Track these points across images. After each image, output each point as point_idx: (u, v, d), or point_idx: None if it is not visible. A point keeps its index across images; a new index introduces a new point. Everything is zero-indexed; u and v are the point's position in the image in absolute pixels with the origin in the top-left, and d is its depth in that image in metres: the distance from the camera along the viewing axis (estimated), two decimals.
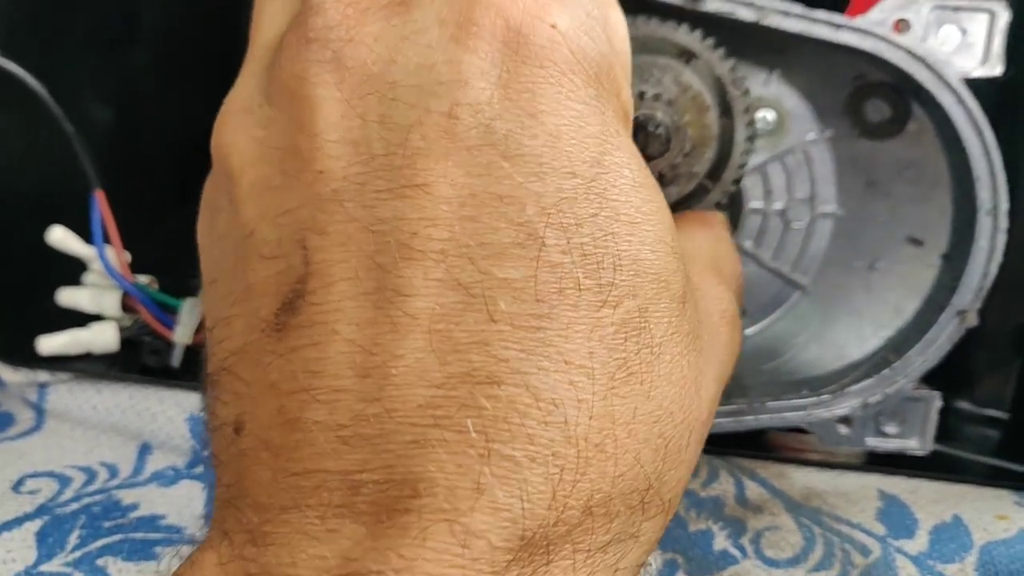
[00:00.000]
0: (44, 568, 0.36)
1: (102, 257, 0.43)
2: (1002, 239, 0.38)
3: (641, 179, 0.22)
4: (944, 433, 0.46)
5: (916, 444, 0.40)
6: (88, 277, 0.45)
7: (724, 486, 0.41)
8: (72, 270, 0.45)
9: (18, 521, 0.37)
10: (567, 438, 0.19)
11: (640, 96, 0.34)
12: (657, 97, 0.34)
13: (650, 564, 0.23)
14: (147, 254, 0.45)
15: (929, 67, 0.36)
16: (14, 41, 0.42)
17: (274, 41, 0.23)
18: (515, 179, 0.20)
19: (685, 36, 0.35)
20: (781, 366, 0.43)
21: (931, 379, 0.48)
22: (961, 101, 0.37)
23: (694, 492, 0.41)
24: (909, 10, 0.36)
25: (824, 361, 0.42)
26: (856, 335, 0.42)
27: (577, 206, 0.20)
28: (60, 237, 0.44)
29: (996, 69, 0.37)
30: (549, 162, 0.20)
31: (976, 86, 0.44)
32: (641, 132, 0.33)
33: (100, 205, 0.43)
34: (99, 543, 0.38)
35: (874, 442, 0.40)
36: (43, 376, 0.44)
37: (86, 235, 0.43)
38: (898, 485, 0.41)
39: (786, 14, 0.36)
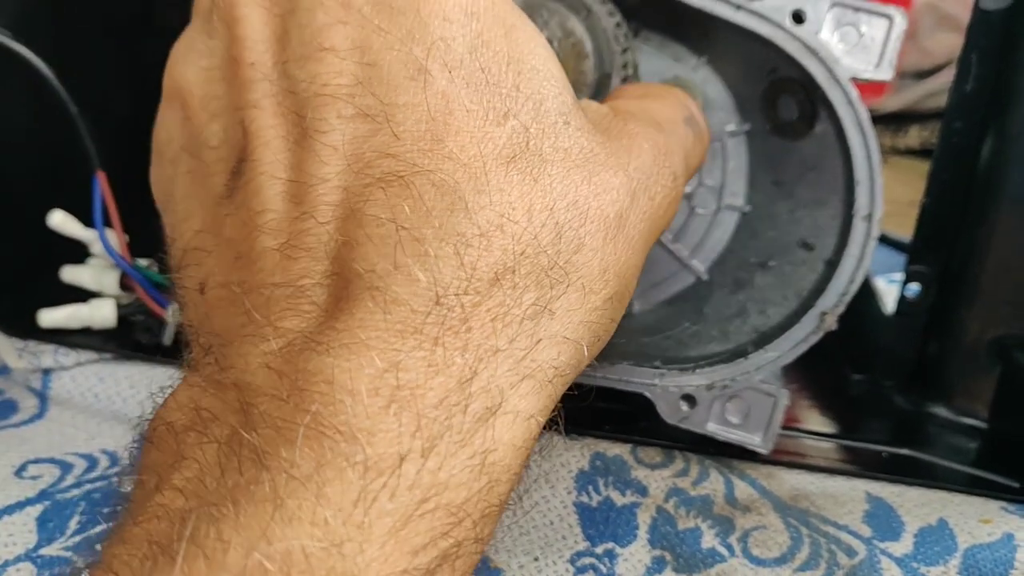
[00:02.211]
0: (44, 552, 0.36)
1: (102, 236, 0.43)
2: (872, 247, 0.38)
3: (515, 22, 0.26)
4: (924, 440, 0.47)
5: (758, 440, 0.41)
6: (93, 259, 0.45)
7: (714, 485, 0.42)
8: (76, 248, 0.45)
9: (20, 505, 0.37)
10: (469, 219, 0.23)
11: None
12: None
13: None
14: (151, 239, 0.45)
15: (821, 61, 0.37)
16: (25, 24, 0.42)
17: None
18: (402, 29, 0.24)
19: None
20: (658, 342, 0.44)
21: (911, 387, 0.50)
22: (849, 101, 0.37)
23: (684, 490, 0.42)
24: (807, 2, 0.37)
25: (696, 346, 0.43)
26: (735, 328, 0.43)
27: (455, 45, 0.24)
28: (60, 221, 0.45)
29: (888, 75, 0.37)
30: (427, 13, 0.24)
31: (963, 101, 0.45)
32: None
33: (101, 186, 0.43)
34: (99, 528, 0.37)
35: (715, 428, 0.41)
36: (47, 362, 0.44)
37: (89, 213, 0.44)
38: (885, 488, 0.42)
39: None
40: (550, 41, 0.35)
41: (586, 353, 0.25)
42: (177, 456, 0.21)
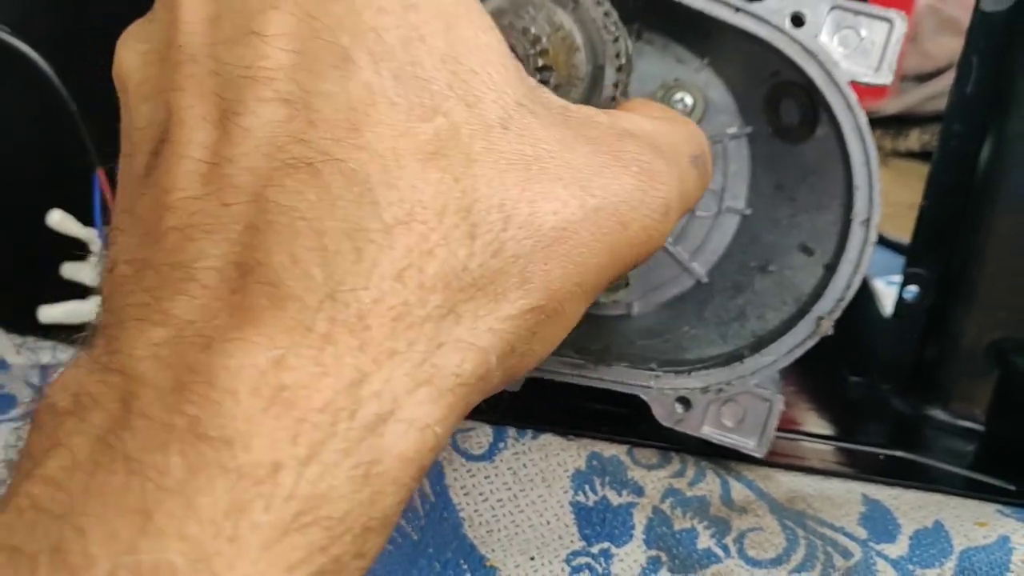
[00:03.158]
0: None
1: (101, 234, 0.43)
2: (870, 251, 0.38)
3: (460, 16, 0.25)
4: (921, 443, 0.47)
5: (753, 444, 0.41)
6: (93, 256, 0.46)
7: (710, 486, 0.42)
8: (76, 245, 0.46)
9: None
10: (376, 214, 0.22)
11: (510, 26, 0.34)
12: (524, 31, 0.35)
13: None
14: None
15: (820, 64, 0.37)
16: (25, 21, 0.42)
17: None
18: (333, 16, 0.23)
19: None
20: (656, 345, 0.44)
21: (909, 390, 0.50)
22: (848, 105, 0.37)
23: (680, 491, 0.42)
24: (807, 4, 0.37)
25: (694, 349, 0.43)
26: (733, 332, 0.43)
27: (387, 36, 0.23)
28: (59, 220, 0.45)
29: (888, 79, 0.37)
30: (361, 2, 0.24)
31: (962, 103, 0.45)
32: None
33: (101, 184, 0.43)
34: None
35: (709, 431, 0.41)
36: (45, 358, 0.44)
37: (88, 211, 0.44)
38: (882, 491, 0.42)
39: None
40: (538, 37, 0.35)
41: (495, 363, 0.24)
42: (53, 442, 0.20)
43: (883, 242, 0.67)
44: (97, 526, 0.18)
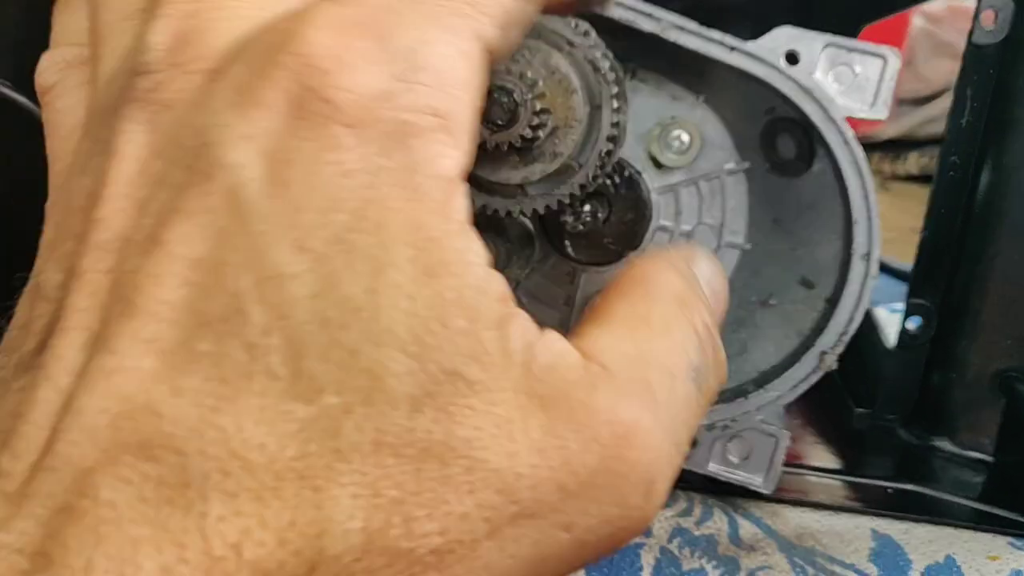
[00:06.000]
0: None
1: None
2: (871, 284, 0.38)
3: (396, 259, 0.19)
4: (929, 475, 0.47)
5: (760, 481, 0.40)
6: None
7: (718, 524, 0.42)
8: None
9: None
10: (201, 533, 0.18)
11: (507, 71, 0.34)
12: (521, 75, 0.34)
13: None
14: None
15: (816, 101, 0.37)
16: (26, 76, 0.42)
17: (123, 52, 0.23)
18: (241, 247, 0.19)
19: (557, 23, 0.35)
20: None
21: (915, 421, 0.50)
22: (845, 140, 0.37)
23: (688, 530, 0.42)
24: (801, 42, 0.37)
25: None
26: (735, 368, 0.43)
27: (297, 283, 0.19)
28: None
29: (883, 114, 0.37)
30: (280, 233, 0.19)
31: (959, 134, 0.46)
32: (489, 98, 0.34)
33: None
34: None
35: (716, 468, 0.41)
36: None
37: None
38: (892, 525, 0.42)
39: (682, 29, 0.37)
40: (535, 81, 0.35)
41: None
42: None
43: (883, 268, 0.67)
44: None
